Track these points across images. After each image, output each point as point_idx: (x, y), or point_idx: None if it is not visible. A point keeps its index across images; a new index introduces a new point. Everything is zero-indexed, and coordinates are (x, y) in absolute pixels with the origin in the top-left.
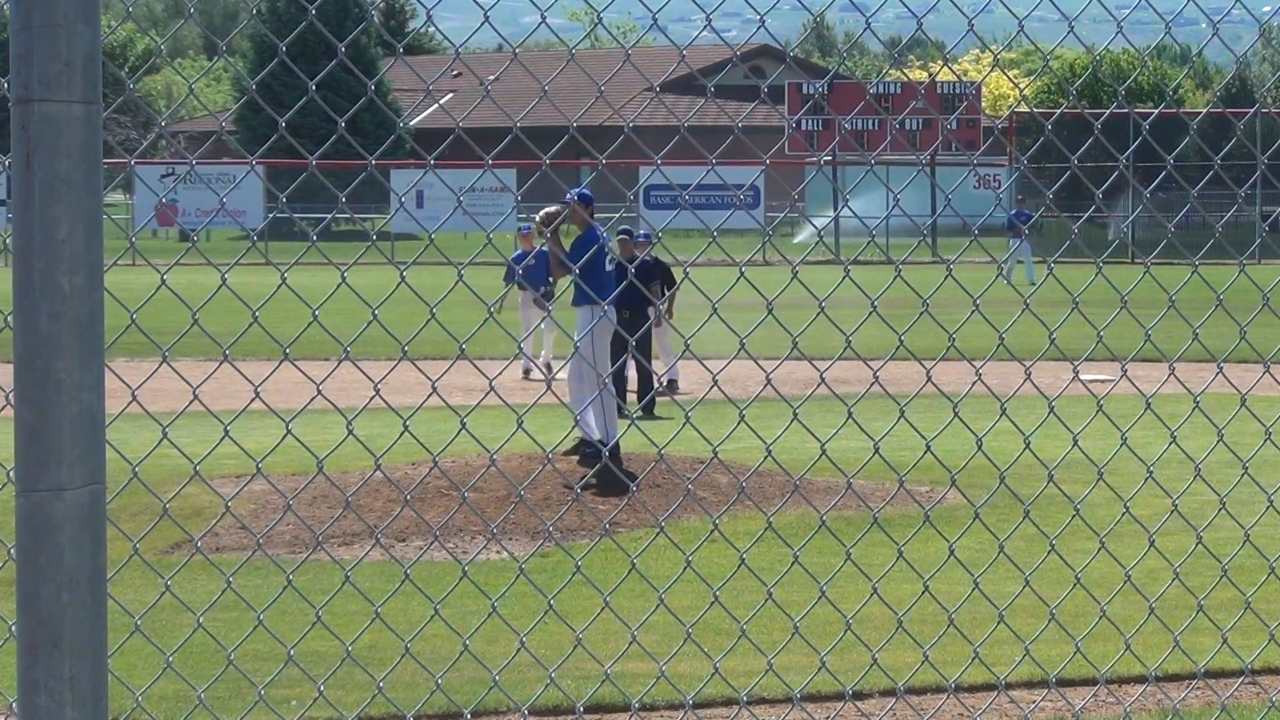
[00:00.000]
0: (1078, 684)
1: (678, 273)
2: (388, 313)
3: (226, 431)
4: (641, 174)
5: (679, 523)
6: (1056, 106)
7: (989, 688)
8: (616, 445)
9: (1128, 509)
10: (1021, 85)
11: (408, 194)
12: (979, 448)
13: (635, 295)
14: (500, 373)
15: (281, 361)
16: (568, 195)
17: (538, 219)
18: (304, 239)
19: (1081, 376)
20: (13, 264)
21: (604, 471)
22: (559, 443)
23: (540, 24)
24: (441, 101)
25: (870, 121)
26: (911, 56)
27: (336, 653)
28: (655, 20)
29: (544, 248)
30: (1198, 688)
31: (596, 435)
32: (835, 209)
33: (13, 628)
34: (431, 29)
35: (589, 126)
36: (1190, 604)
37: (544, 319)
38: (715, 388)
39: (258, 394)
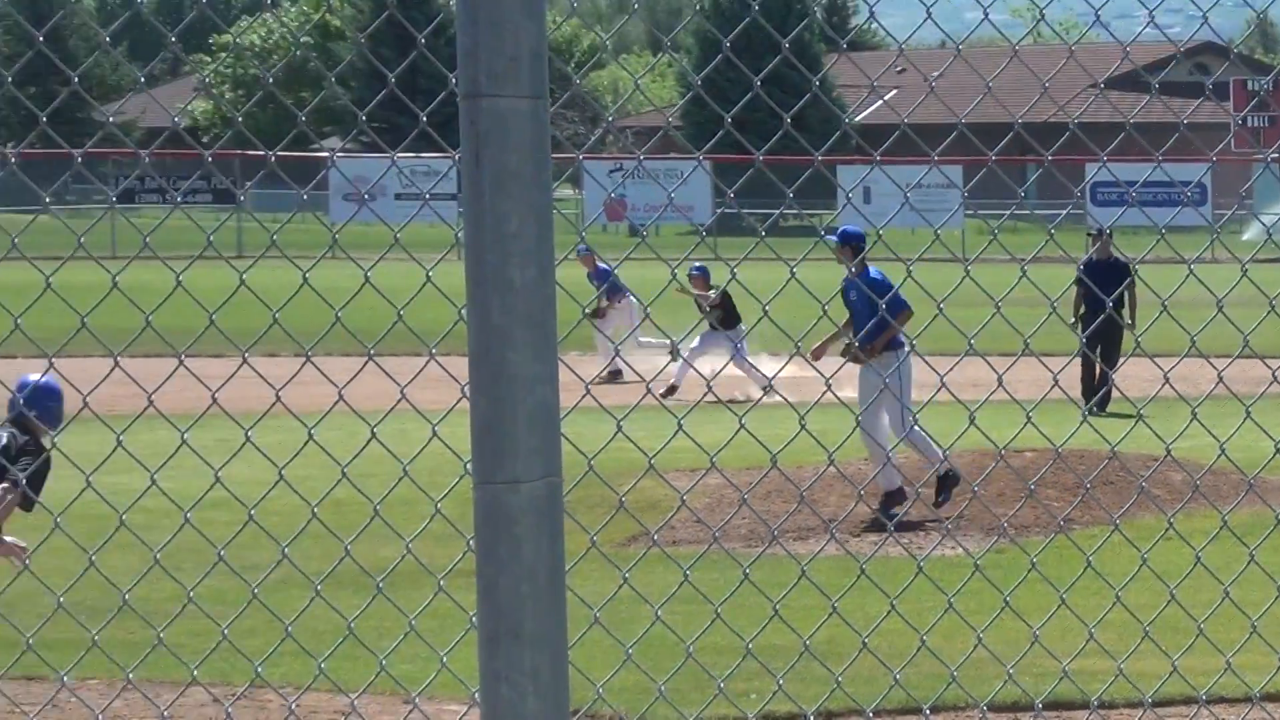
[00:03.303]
0: None
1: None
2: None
3: (680, 426)
4: (1088, 170)
5: (1133, 520)
6: None
7: None
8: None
9: None
10: None
11: (854, 190)
12: None
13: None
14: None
15: (732, 357)
16: (833, 235)
17: None
18: (752, 234)
19: None
20: (465, 258)
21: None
22: (1010, 439)
23: (983, 20)
24: (886, 98)
25: None
26: None
27: (794, 646)
28: (1098, 17)
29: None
30: None
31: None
32: None
33: (473, 618)
34: (874, 25)
35: (1033, 123)
36: None
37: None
38: (1166, 385)
39: (711, 388)
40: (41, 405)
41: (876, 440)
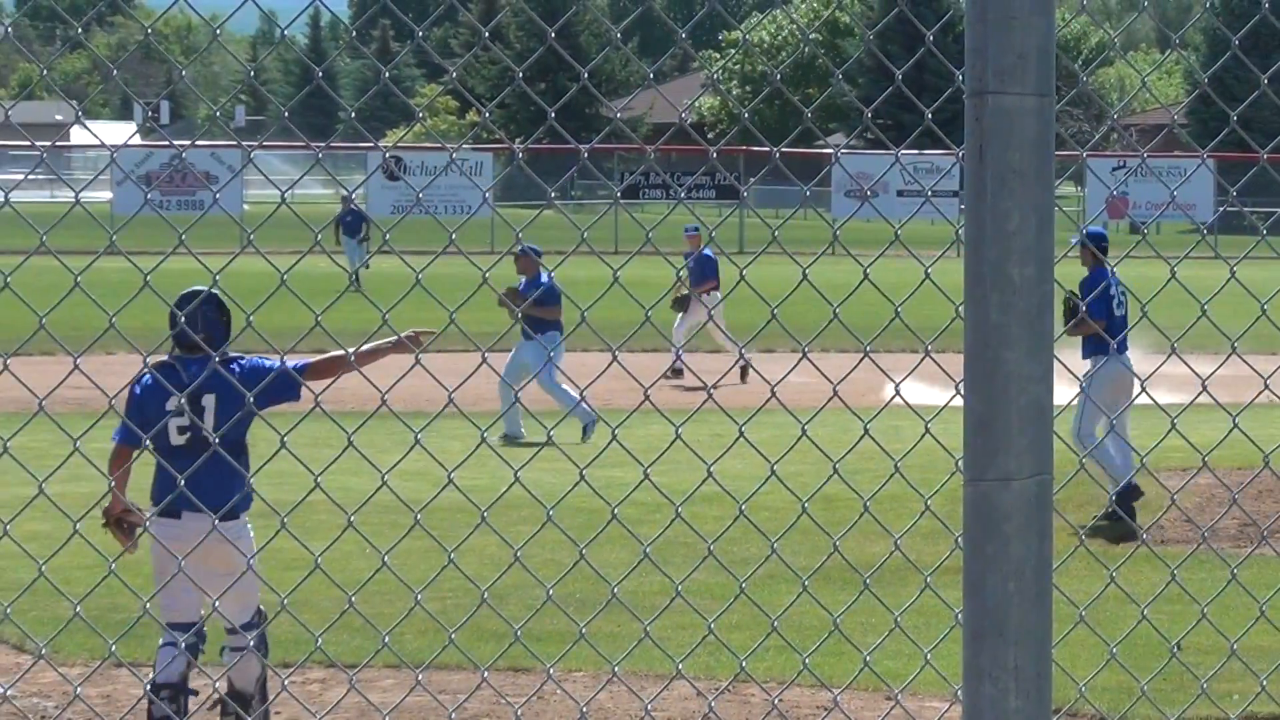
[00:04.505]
0: None
1: None
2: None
3: (1173, 425)
4: None
5: None
6: None
7: None
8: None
9: None
10: None
11: None
12: None
13: None
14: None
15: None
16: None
17: None
18: (1253, 234)
19: None
20: (964, 254)
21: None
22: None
23: None
24: None
25: None
26: None
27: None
28: None
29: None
30: None
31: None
32: None
33: (958, 615)
34: None
35: None
36: None
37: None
38: None
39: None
40: None
41: (1116, 443)
